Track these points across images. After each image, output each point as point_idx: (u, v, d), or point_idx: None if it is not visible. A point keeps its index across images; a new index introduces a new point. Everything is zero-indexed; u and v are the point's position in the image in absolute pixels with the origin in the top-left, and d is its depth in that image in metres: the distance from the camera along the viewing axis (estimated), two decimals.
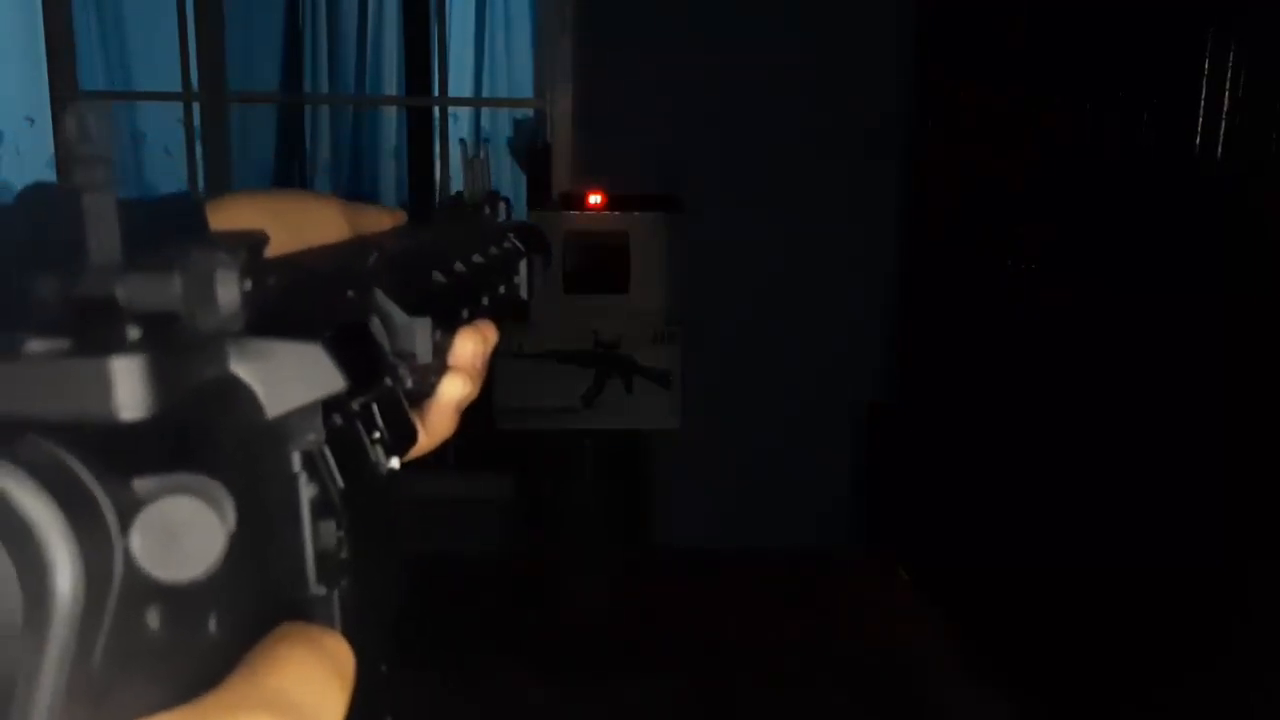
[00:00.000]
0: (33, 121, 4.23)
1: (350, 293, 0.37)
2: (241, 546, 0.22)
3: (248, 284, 0.25)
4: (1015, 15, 2.56)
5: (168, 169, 4.32)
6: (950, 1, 3.02)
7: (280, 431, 0.27)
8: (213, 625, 0.22)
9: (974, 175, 2.79)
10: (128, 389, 0.20)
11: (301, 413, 0.27)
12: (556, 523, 3.07)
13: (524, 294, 0.59)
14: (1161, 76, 1.96)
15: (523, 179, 3.56)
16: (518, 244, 0.58)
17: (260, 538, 0.25)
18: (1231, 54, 1.76)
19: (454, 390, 0.46)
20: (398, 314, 0.39)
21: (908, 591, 3.16)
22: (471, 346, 0.47)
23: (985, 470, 2.66)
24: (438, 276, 0.46)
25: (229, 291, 0.24)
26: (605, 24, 3.23)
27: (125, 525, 0.19)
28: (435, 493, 3.49)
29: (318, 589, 0.28)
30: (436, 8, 3.59)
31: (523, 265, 0.58)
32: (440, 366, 0.42)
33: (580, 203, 3.07)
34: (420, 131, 4.14)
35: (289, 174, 4.34)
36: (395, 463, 0.35)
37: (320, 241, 0.48)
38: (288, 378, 0.26)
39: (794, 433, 3.41)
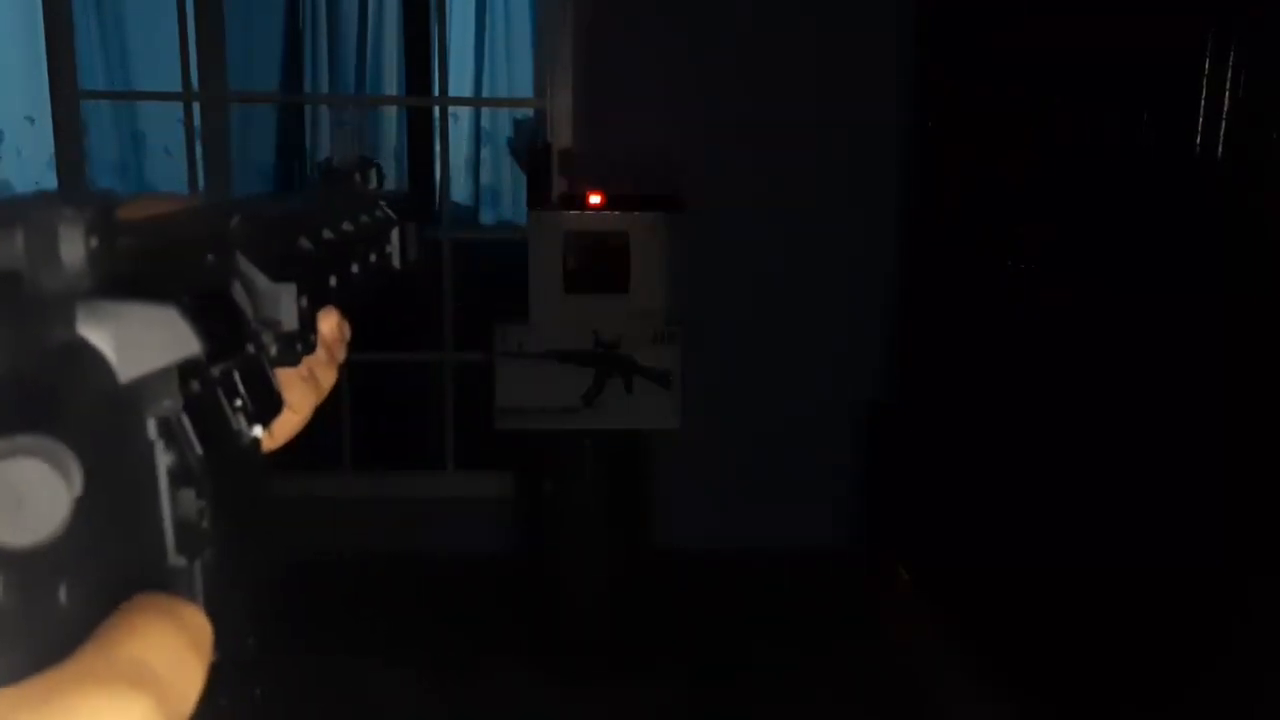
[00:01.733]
0: (33, 121, 4.23)
1: (210, 257, 0.35)
2: (93, 514, 0.21)
3: (94, 242, 0.24)
4: (1015, 15, 2.56)
5: (168, 169, 4.32)
6: (950, 1, 3.02)
7: (134, 397, 0.25)
8: (63, 595, 0.21)
9: (974, 175, 2.79)
10: None
11: (156, 378, 0.26)
12: (556, 523, 3.06)
13: (396, 262, 0.57)
14: (1161, 76, 1.96)
15: (523, 179, 3.56)
16: (389, 212, 0.57)
17: (115, 506, 0.24)
18: (1231, 54, 1.76)
19: (315, 365, 0.45)
20: (261, 279, 0.37)
21: (908, 591, 3.16)
22: (328, 325, 0.46)
23: (985, 470, 2.66)
24: (304, 243, 0.44)
25: (74, 249, 0.23)
26: (605, 24, 3.23)
27: None
28: (435, 493, 3.50)
29: (177, 560, 0.27)
30: (436, 8, 3.59)
31: (395, 233, 0.57)
32: (306, 334, 0.40)
33: (580, 203, 3.07)
34: (420, 131, 4.15)
35: (289, 174, 4.34)
36: (259, 431, 0.34)
37: None
38: (141, 341, 0.25)
39: (794, 433, 3.41)
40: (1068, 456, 2.28)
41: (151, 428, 0.26)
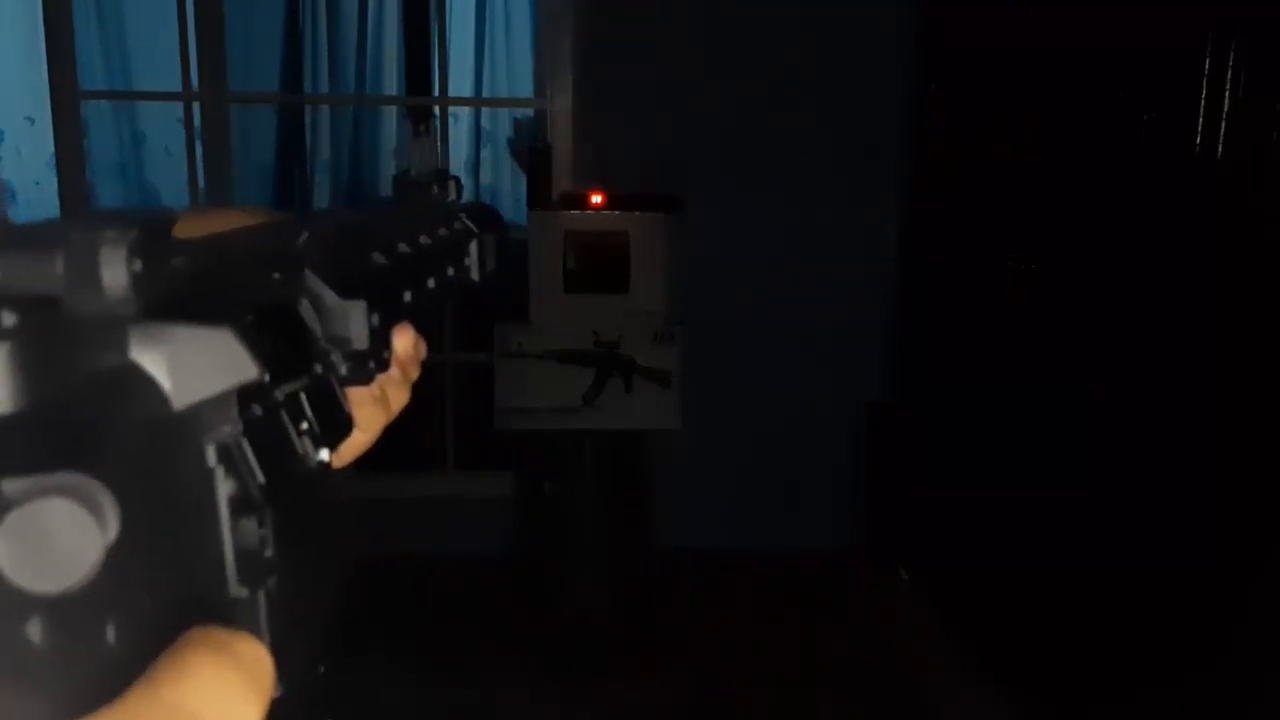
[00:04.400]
0: (33, 121, 4.23)
1: (276, 275, 0.34)
2: (144, 547, 0.20)
3: (138, 264, 0.23)
4: (1016, 15, 2.56)
5: (168, 169, 4.32)
6: (951, 1, 3.02)
7: (190, 423, 0.24)
8: (111, 635, 0.20)
9: (974, 175, 2.79)
10: None
11: (213, 403, 0.25)
12: (556, 523, 3.06)
13: (474, 276, 0.55)
14: (1161, 76, 1.96)
15: (523, 179, 3.56)
16: (469, 224, 0.55)
17: (170, 537, 0.23)
18: (1231, 54, 1.76)
19: (387, 384, 0.44)
20: (330, 296, 0.36)
21: (908, 591, 3.16)
22: (403, 343, 0.44)
23: (985, 470, 2.66)
24: (377, 258, 0.43)
25: (116, 273, 0.23)
26: (605, 24, 3.23)
27: None
28: (435, 493, 3.50)
29: (239, 590, 0.26)
30: (436, 8, 3.59)
31: (473, 246, 0.55)
32: (378, 352, 0.38)
33: (580, 203, 3.07)
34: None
35: (289, 174, 4.34)
36: (325, 454, 0.33)
37: None
38: (196, 366, 0.24)
39: (794, 433, 3.41)
40: (1066, 456, 2.28)
41: (210, 455, 0.25)
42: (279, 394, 0.31)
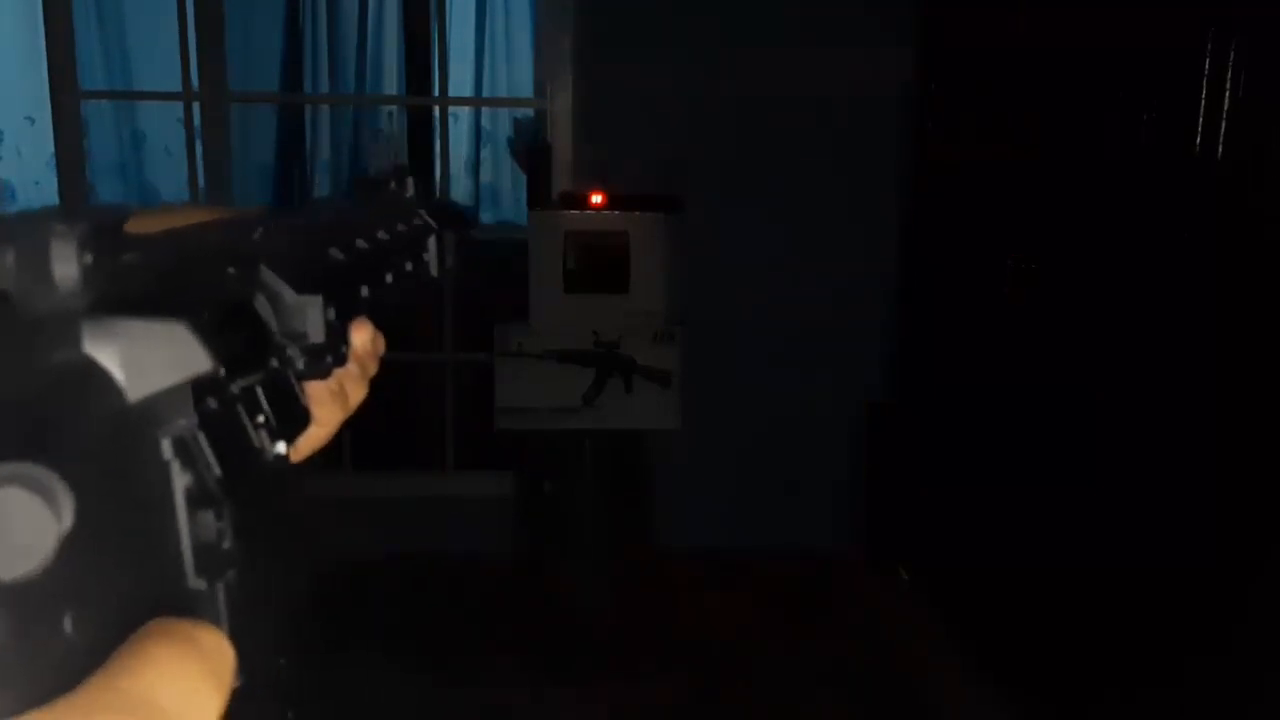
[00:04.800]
0: (33, 121, 4.23)
1: (232, 270, 0.34)
2: (101, 539, 0.20)
3: (88, 258, 0.23)
4: (1016, 15, 2.56)
5: (168, 169, 4.32)
6: (951, 2, 3.02)
7: (145, 416, 0.24)
8: (68, 626, 0.20)
9: (974, 175, 2.79)
10: None
11: (168, 396, 0.25)
12: (557, 523, 3.06)
13: (433, 271, 0.56)
14: (1161, 76, 1.96)
15: (523, 179, 3.56)
16: (428, 220, 0.56)
17: (127, 530, 0.23)
18: (1231, 54, 1.76)
19: (345, 379, 0.44)
20: (286, 292, 0.36)
21: (908, 592, 3.16)
22: (361, 338, 0.44)
23: (985, 470, 2.66)
24: (335, 253, 0.43)
25: (66, 266, 0.23)
26: (605, 24, 3.23)
27: None
28: (435, 493, 3.50)
29: (198, 582, 0.26)
30: (436, 8, 3.59)
31: (431, 242, 0.55)
32: (335, 347, 0.39)
33: (580, 203, 3.07)
34: (420, 131, 4.14)
35: (289, 174, 4.34)
36: (282, 448, 0.33)
37: None
38: (149, 359, 0.24)
39: (794, 433, 3.41)
40: (1066, 456, 2.28)
41: (166, 448, 0.25)
42: (235, 388, 0.31)
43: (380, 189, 0.57)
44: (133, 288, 0.25)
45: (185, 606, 0.25)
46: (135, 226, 0.26)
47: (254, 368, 0.33)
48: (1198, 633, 1.83)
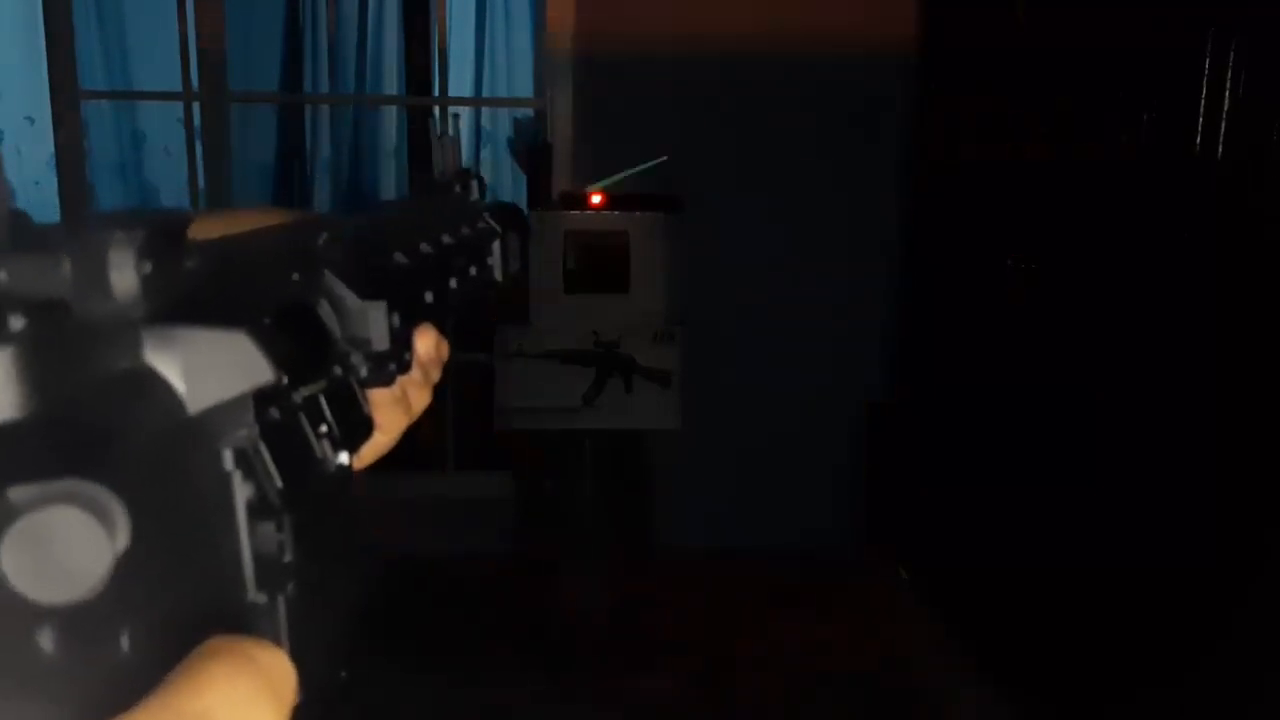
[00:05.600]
0: (33, 121, 4.23)
1: (295, 276, 0.34)
2: (156, 556, 0.20)
3: (147, 266, 0.23)
4: (1016, 15, 2.56)
5: (168, 169, 4.32)
6: (951, 1, 3.02)
7: (206, 427, 0.24)
8: (125, 644, 0.19)
9: (974, 175, 2.79)
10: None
11: (229, 406, 0.25)
12: (556, 523, 3.06)
13: (497, 275, 0.55)
14: (1161, 76, 1.96)
15: (523, 179, 3.56)
16: (492, 223, 0.55)
17: (187, 543, 0.22)
18: (1231, 54, 1.76)
19: (408, 385, 0.43)
20: (350, 297, 0.35)
21: (908, 591, 3.16)
22: (425, 344, 0.43)
23: (985, 470, 2.66)
24: (399, 258, 0.42)
25: (125, 275, 0.22)
26: (606, 23, 3.23)
27: None
28: (435, 493, 3.50)
29: (258, 596, 0.25)
30: (436, 8, 3.59)
31: (496, 246, 0.54)
32: (399, 353, 0.38)
33: (580, 203, 3.07)
34: (420, 131, 4.14)
35: (289, 174, 4.34)
36: (345, 458, 0.32)
37: None
38: (210, 369, 0.23)
39: (794, 432, 3.41)
40: (1066, 456, 2.28)
41: (227, 459, 0.25)
42: (297, 396, 0.30)
43: (445, 192, 0.56)
44: (193, 295, 0.24)
45: (244, 620, 0.25)
46: (198, 231, 0.26)
47: (317, 375, 0.32)
48: (1198, 633, 1.83)
